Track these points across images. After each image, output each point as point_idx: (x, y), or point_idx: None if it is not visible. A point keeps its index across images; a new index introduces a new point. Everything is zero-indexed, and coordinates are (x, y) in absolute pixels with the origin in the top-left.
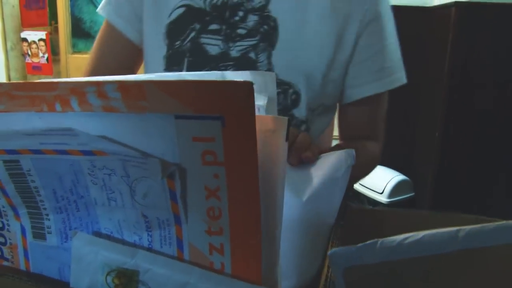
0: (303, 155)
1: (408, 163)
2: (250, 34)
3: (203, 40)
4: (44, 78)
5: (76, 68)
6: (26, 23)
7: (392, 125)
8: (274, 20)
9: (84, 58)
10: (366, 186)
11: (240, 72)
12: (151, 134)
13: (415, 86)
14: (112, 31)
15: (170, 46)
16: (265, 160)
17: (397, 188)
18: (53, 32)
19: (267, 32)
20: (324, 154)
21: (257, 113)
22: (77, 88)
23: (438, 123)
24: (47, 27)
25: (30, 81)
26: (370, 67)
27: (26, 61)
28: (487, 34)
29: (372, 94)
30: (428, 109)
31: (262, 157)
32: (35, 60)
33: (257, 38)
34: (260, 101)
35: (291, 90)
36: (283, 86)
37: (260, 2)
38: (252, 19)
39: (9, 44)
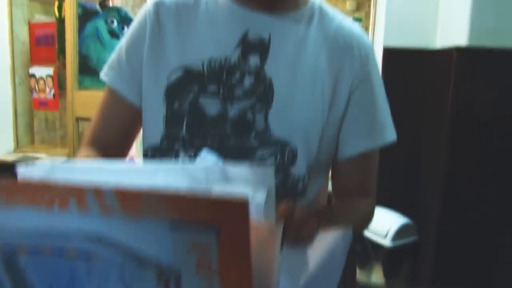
0: (300, 235)
1: (411, 204)
2: (246, 95)
3: (201, 102)
4: (50, 113)
5: (82, 104)
6: (35, 59)
7: (396, 166)
8: (270, 81)
9: (90, 95)
10: (369, 229)
11: (239, 168)
12: (147, 240)
13: (418, 126)
14: (113, 96)
15: (169, 107)
16: (260, 268)
17: (401, 232)
18: (61, 67)
19: (263, 93)
20: (322, 234)
21: (255, 213)
22: (76, 191)
23: (442, 164)
24: (55, 64)
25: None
26: (362, 124)
27: (33, 96)
28: (488, 77)
29: (364, 150)
30: (432, 150)
31: (256, 266)
32: (42, 95)
33: (253, 98)
34: (258, 198)
35: (288, 148)
36: (280, 145)
37: (256, 64)
38: (248, 80)
39: (17, 79)
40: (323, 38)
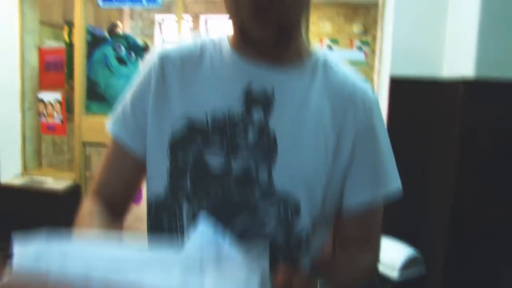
0: None
1: (418, 234)
2: (250, 149)
3: (205, 156)
4: (58, 137)
5: (89, 129)
6: (43, 85)
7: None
8: (273, 135)
9: (97, 120)
10: None
11: (234, 248)
12: None
13: (424, 156)
14: (118, 148)
15: (172, 159)
16: None
17: (408, 265)
18: (70, 90)
19: (267, 147)
20: None
21: None
22: None
23: (448, 195)
24: (63, 89)
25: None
26: (366, 176)
27: (42, 121)
28: (495, 109)
29: (367, 201)
30: (438, 180)
31: None
32: (50, 120)
33: (257, 153)
34: (253, 282)
35: (291, 202)
36: (283, 199)
37: (259, 118)
38: (252, 134)
39: (26, 104)
40: (327, 91)
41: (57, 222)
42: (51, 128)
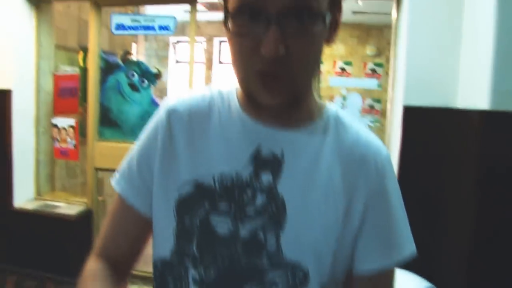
0: None
1: (434, 268)
2: (258, 214)
3: (212, 219)
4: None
5: (101, 155)
6: (57, 110)
7: (417, 226)
8: (282, 200)
9: (109, 146)
10: None
11: None
12: None
13: (439, 186)
14: (123, 205)
15: (179, 221)
16: None
17: None
18: (84, 112)
19: (275, 212)
20: None
21: None
22: None
23: (466, 227)
24: (76, 114)
25: None
26: (378, 241)
27: (55, 145)
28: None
29: (380, 268)
30: (455, 211)
31: None
32: (63, 145)
33: (265, 218)
34: None
35: (300, 271)
36: (291, 266)
37: (268, 182)
38: (260, 199)
39: (40, 129)
40: (338, 151)
41: (69, 247)
42: (64, 153)
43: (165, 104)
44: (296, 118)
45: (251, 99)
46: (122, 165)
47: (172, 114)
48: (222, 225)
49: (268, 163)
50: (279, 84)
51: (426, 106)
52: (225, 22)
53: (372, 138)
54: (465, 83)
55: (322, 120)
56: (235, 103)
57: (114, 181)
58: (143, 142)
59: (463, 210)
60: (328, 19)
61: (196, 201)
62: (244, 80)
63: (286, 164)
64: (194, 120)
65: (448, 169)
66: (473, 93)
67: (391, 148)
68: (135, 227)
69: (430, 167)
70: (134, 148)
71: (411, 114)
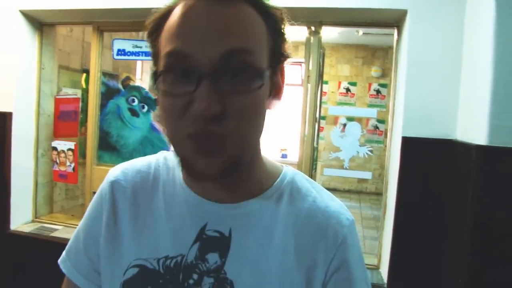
0: None
1: None
2: None
3: None
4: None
5: (99, 178)
6: (57, 133)
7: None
8: (231, 283)
9: (108, 170)
10: None
11: None
12: None
13: (440, 220)
14: (70, 285)
15: None
16: None
17: None
18: (85, 132)
19: None
20: None
21: None
22: None
23: (463, 267)
24: (76, 138)
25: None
26: None
27: (54, 168)
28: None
29: None
30: (452, 249)
31: None
32: (62, 168)
33: None
34: None
35: None
36: None
37: (215, 263)
38: (207, 282)
39: (40, 151)
40: (292, 224)
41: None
42: (63, 176)
43: (109, 176)
44: (245, 189)
45: (186, 168)
46: (69, 244)
47: (115, 188)
48: None
49: (214, 243)
50: (214, 146)
51: (425, 137)
52: (154, 81)
53: (332, 205)
54: (464, 116)
55: (275, 188)
56: (179, 177)
57: (61, 261)
58: (89, 220)
59: (462, 243)
60: (266, 77)
61: (140, 286)
62: (176, 145)
63: (234, 244)
64: (138, 196)
65: (447, 200)
66: (472, 126)
67: (390, 177)
68: None
69: (428, 198)
70: (80, 225)
71: (410, 145)
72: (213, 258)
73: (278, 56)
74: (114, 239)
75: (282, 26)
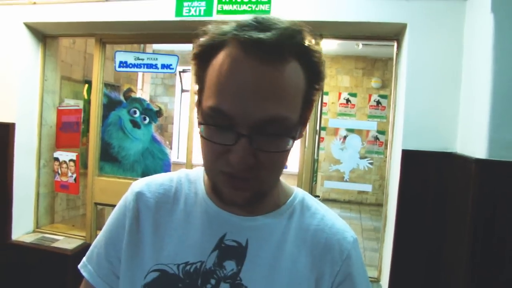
0: None
1: None
2: None
3: None
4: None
5: (100, 189)
6: (59, 144)
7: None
8: None
9: (109, 181)
10: None
11: None
12: None
13: (440, 231)
14: None
15: None
16: None
17: None
18: (86, 142)
19: None
20: None
21: None
22: None
23: (462, 280)
24: (77, 149)
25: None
26: None
27: (55, 179)
28: (510, 190)
29: None
30: (451, 262)
31: None
32: (64, 179)
33: None
34: None
35: None
36: None
37: (232, 270)
38: (223, 287)
39: (42, 162)
40: (302, 238)
41: (64, 281)
42: (64, 187)
43: (134, 187)
44: (262, 209)
45: (216, 191)
46: (89, 250)
47: (139, 199)
48: None
49: (232, 252)
50: (247, 186)
51: (425, 150)
52: (198, 112)
53: (338, 223)
54: (464, 129)
55: (287, 206)
56: (201, 189)
57: (81, 266)
58: (111, 228)
59: (462, 256)
60: (297, 136)
61: None
62: (211, 174)
63: (249, 253)
64: (161, 207)
65: (447, 212)
66: (471, 139)
67: (390, 190)
68: None
69: (428, 210)
70: (102, 232)
71: (410, 158)
72: (230, 265)
73: (311, 97)
74: (136, 245)
75: (321, 69)
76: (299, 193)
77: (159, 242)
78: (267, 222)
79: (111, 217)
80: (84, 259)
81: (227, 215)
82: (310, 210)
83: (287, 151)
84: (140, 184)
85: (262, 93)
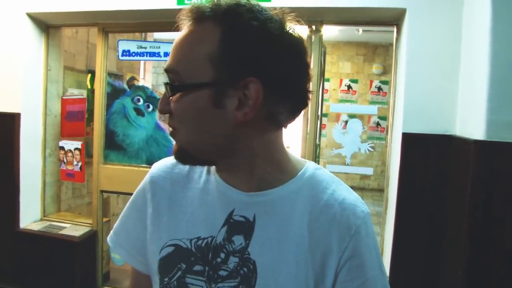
0: None
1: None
2: (231, 276)
3: (188, 280)
4: (76, 185)
5: (106, 177)
6: (64, 133)
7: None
8: (253, 263)
9: (114, 169)
10: None
11: None
12: None
13: (440, 213)
14: (137, 273)
15: (161, 281)
16: None
17: None
18: (90, 132)
19: (247, 275)
20: None
21: None
22: None
23: (462, 258)
24: (82, 137)
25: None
26: None
27: (61, 167)
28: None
29: None
30: (451, 242)
31: None
32: (70, 167)
33: (237, 280)
34: None
35: None
36: None
37: (240, 245)
38: (233, 261)
39: (47, 151)
40: (310, 212)
41: (72, 268)
42: (70, 175)
43: (152, 169)
44: (265, 183)
45: None
46: (115, 225)
47: (155, 182)
48: (196, 286)
49: (240, 227)
50: (173, 134)
51: (425, 133)
52: None
53: (348, 197)
54: (463, 111)
55: (296, 180)
56: (213, 167)
57: (109, 238)
58: (133, 204)
59: (461, 237)
60: (188, 89)
61: (174, 262)
62: None
63: (257, 228)
64: (176, 185)
65: (447, 194)
66: (470, 121)
67: (391, 173)
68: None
69: (429, 192)
70: (124, 210)
71: (410, 141)
72: (238, 240)
73: (237, 68)
74: (154, 223)
75: (252, 37)
76: (310, 167)
77: (174, 218)
78: (274, 197)
79: (133, 197)
80: (111, 232)
81: (235, 191)
82: (321, 185)
83: (181, 101)
84: (157, 166)
85: (173, 48)
